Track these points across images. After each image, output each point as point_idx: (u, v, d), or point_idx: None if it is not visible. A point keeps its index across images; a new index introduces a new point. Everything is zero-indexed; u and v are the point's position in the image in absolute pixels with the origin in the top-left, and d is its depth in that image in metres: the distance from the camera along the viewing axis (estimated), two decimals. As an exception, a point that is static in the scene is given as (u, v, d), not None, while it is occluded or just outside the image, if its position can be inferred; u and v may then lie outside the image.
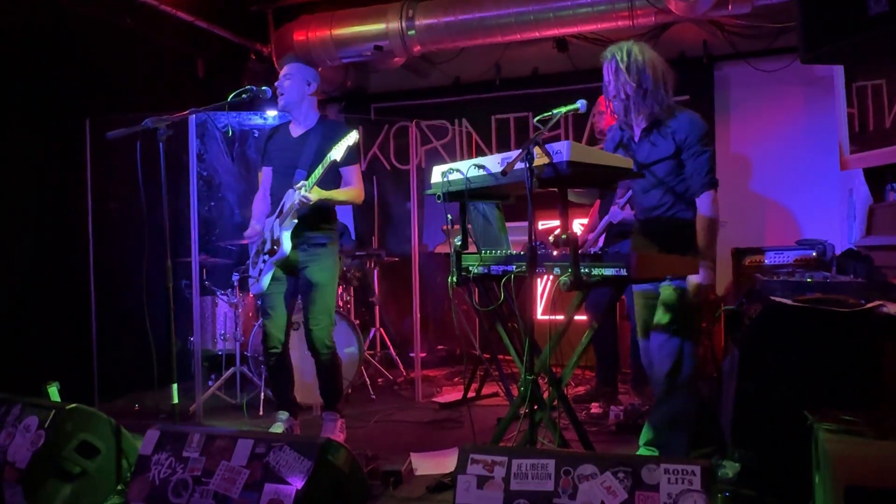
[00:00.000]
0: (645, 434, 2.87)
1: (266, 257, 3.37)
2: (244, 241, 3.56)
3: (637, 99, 2.71)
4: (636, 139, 2.84)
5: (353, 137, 3.22)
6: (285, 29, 5.81)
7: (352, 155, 3.31)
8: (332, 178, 3.37)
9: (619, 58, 2.71)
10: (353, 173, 3.44)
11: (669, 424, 2.77)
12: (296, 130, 3.47)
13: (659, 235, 2.82)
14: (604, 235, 4.14)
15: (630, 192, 3.47)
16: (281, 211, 3.34)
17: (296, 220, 3.27)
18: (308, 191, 3.17)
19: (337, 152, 3.18)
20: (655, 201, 2.82)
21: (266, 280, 3.36)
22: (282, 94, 3.39)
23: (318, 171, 3.21)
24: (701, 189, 2.69)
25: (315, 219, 3.35)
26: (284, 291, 3.44)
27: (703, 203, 2.69)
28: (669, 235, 2.78)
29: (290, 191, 3.27)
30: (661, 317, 2.77)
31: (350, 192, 3.42)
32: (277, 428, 3.47)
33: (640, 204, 2.93)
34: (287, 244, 3.28)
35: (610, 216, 4.03)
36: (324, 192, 3.25)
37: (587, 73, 2.84)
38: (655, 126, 2.76)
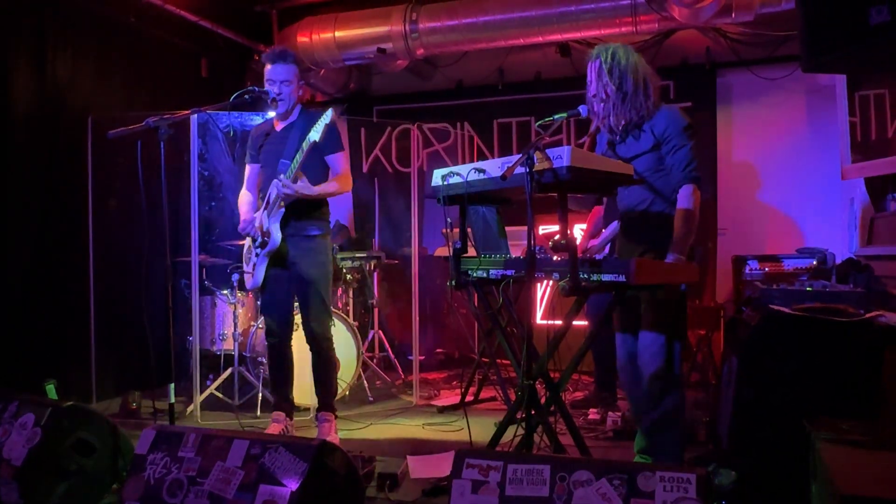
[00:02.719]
0: (639, 441, 2.85)
1: (258, 250, 3.37)
2: (241, 242, 3.56)
3: (616, 101, 2.71)
4: (617, 137, 2.84)
5: (328, 116, 3.15)
6: (289, 30, 5.82)
7: (334, 141, 3.28)
8: (320, 168, 3.35)
9: (603, 58, 2.73)
10: (339, 160, 3.42)
11: (662, 426, 2.75)
12: (280, 125, 3.48)
13: (641, 233, 2.80)
14: (609, 244, 4.13)
15: None
16: (268, 202, 3.34)
17: (283, 209, 3.27)
18: (290, 176, 3.16)
19: (315, 133, 3.12)
20: (637, 198, 2.80)
21: (261, 274, 3.36)
22: (282, 101, 3.35)
23: (299, 156, 3.18)
24: (681, 182, 2.66)
25: (305, 207, 3.34)
26: (278, 287, 3.43)
27: (682, 196, 2.66)
28: (651, 233, 2.75)
29: (275, 181, 3.26)
30: (645, 320, 2.74)
31: (337, 180, 3.39)
32: (273, 429, 3.47)
33: (621, 201, 2.90)
34: (277, 234, 3.27)
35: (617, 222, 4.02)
36: (314, 188, 3.24)
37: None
38: (636, 127, 2.76)
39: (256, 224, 3.39)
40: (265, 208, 3.35)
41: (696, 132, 2.74)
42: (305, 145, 3.16)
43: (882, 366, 2.33)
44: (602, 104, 2.75)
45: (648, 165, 2.74)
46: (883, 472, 1.75)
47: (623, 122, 2.76)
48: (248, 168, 3.60)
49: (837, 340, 2.46)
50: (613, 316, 2.90)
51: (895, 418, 2.25)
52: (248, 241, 3.51)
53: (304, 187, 3.20)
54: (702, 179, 2.71)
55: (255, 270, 3.38)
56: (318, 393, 3.50)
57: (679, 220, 2.63)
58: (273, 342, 3.48)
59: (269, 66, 3.38)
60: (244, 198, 3.57)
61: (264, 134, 3.53)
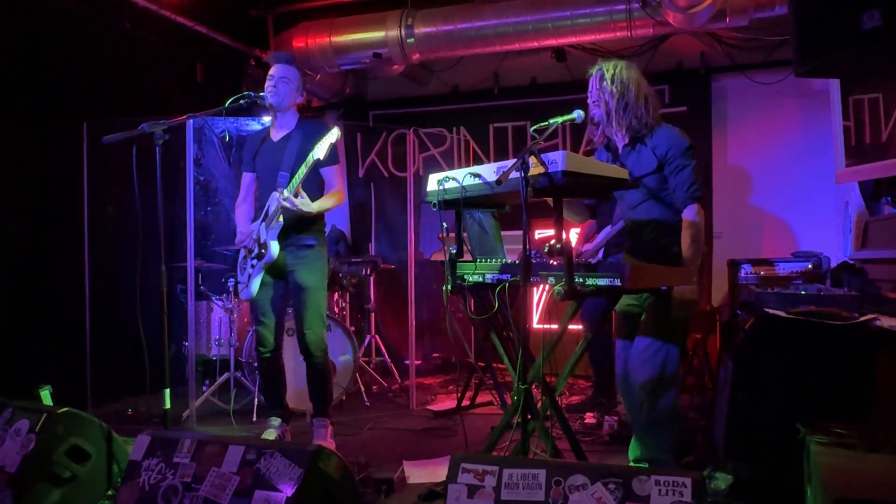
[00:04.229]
0: (633, 450, 2.85)
1: (254, 262, 3.36)
2: (238, 248, 3.56)
3: (618, 108, 2.76)
4: (619, 153, 2.87)
5: (335, 134, 3.19)
6: (285, 35, 5.83)
7: (332, 155, 3.28)
8: (315, 180, 3.36)
9: (605, 69, 2.80)
10: (334, 174, 3.43)
11: (654, 429, 2.75)
12: (276, 134, 3.47)
13: (649, 250, 2.83)
14: (603, 248, 4.13)
15: None
16: (266, 214, 3.34)
17: (282, 222, 3.27)
18: (291, 192, 3.17)
19: (320, 150, 3.14)
20: (646, 216, 2.84)
21: (255, 285, 3.36)
22: (276, 95, 3.35)
23: (302, 172, 3.19)
24: (684, 203, 2.72)
25: (303, 220, 3.34)
26: (274, 296, 3.42)
27: (688, 215, 2.71)
28: (660, 249, 2.78)
29: (274, 193, 3.27)
30: (644, 327, 2.75)
31: (333, 196, 3.40)
32: (270, 434, 3.46)
33: (628, 218, 2.95)
34: (275, 248, 3.28)
35: (611, 227, 4.02)
36: (314, 205, 3.25)
37: (585, 84, 2.89)
38: (637, 141, 2.81)
39: (254, 235, 3.39)
40: (263, 220, 3.35)
41: (696, 152, 2.80)
42: (310, 161, 3.16)
43: (875, 369, 2.34)
44: (603, 110, 2.79)
45: (655, 185, 2.79)
46: (876, 474, 1.76)
47: (624, 130, 2.78)
48: (244, 176, 3.59)
49: (831, 344, 2.47)
50: (614, 323, 2.91)
51: (889, 421, 2.26)
52: (243, 250, 3.50)
53: (305, 204, 3.20)
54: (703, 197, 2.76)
55: (249, 281, 3.37)
56: (312, 400, 3.50)
57: (687, 240, 2.69)
58: (264, 353, 3.47)
59: (272, 67, 3.44)
60: (241, 208, 3.57)
61: (260, 141, 3.53)
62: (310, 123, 3.49)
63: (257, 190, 3.50)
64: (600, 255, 4.13)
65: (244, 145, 3.65)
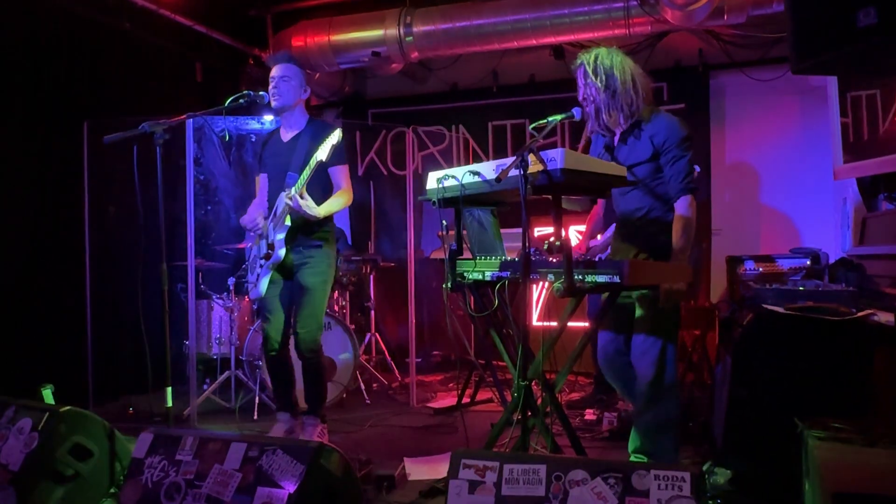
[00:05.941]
0: (633, 441, 2.86)
1: (262, 262, 3.38)
2: (241, 246, 3.56)
3: (606, 99, 2.74)
4: (615, 142, 2.87)
5: (336, 136, 3.19)
6: (284, 34, 5.84)
7: (338, 155, 3.29)
8: (322, 180, 3.36)
9: (586, 61, 2.77)
10: (341, 173, 3.42)
11: (657, 429, 2.76)
12: (286, 134, 3.47)
13: (639, 239, 2.82)
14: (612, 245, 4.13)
15: None
16: (274, 215, 3.35)
17: (289, 224, 3.28)
18: (297, 192, 3.17)
19: (322, 152, 3.14)
20: (635, 204, 2.83)
21: (264, 284, 3.37)
22: (279, 96, 3.35)
23: (307, 174, 3.19)
24: (678, 194, 2.70)
25: (310, 222, 3.33)
26: (281, 294, 3.43)
27: (680, 207, 2.70)
28: (648, 238, 2.78)
29: (282, 194, 3.28)
30: (639, 322, 2.76)
31: (341, 196, 3.40)
32: (279, 429, 3.47)
33: (619, 207, 2.93)
34: (282, 248, 3.29)
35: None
36: (320, 208, 3.25)
37: (583, 81, 2.92)
38: (634, 128, 2.79)
39: (261, 231, 3.41)
40: (272, 219, 3.36)
41: (693, 143, 2.78)
42: (313, 163, 3.17)
43: (872, 364, 2.36)
44: (592, 105, 2.79)
45: (647, 173, 2.78)
46: (873, 469, 1.77)
47: (619, 117, 2.78)
48: (258, 179, 3.60)
49: (829, 339, 2.48)
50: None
51: (885, 416, 2.27)
52: (254, 249, 3.51)
53: (309, 207, 3.20)
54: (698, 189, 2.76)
55: (258, 281, 3.39)
56: (306, 400, 3.49)
57: (678, 230, 2.67)
58: (270, 352, 3.46)
59: (272, 68, 3.43)
60: (255, 203, 3.58)
61: (269, 142, 3.53)
62: (318, 123, 3.48)
63: (269, 192, 3.49)
64: (609, 251, 4.13)
65: (256, 146, 3.65)
